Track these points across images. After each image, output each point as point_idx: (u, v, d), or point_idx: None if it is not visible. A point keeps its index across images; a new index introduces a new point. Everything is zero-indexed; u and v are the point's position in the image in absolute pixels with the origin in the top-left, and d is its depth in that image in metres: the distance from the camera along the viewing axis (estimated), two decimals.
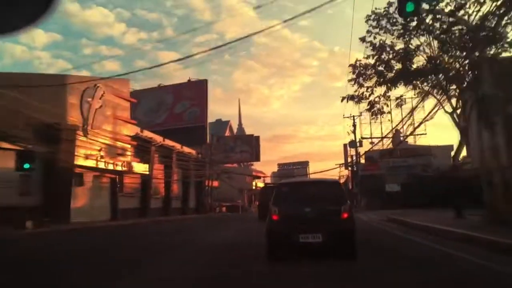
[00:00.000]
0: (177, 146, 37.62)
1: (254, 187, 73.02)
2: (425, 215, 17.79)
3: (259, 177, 75.12)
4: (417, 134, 39.02)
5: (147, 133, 32.39)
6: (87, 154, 23.13)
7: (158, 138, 34.31)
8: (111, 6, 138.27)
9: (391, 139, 44.69)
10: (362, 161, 43.58)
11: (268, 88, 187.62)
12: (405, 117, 24.10)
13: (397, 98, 13.05)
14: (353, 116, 41.48)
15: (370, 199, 32.64)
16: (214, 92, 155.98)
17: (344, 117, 42.45)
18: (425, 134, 40.35)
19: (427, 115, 21.07)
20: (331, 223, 7.52)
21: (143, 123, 46.39)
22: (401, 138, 44.73)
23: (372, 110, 13.23)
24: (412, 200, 32.80)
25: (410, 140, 40.97)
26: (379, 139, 43.56)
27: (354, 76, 13.08)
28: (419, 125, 21.61)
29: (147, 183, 31.27)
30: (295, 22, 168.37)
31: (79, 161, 22.61)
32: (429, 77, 12.78)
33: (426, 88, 13.56)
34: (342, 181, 56.86)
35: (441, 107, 14.37)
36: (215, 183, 56.62)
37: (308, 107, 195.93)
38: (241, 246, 10.46)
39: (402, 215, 17.52)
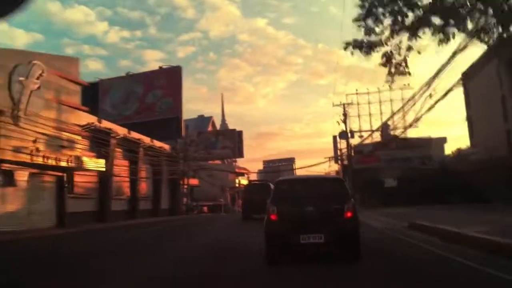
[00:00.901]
0: (146, 139, 32.98)
1: (237, 185, 68.57)
2: (460, 216, 13.60)
3: (242, 174, 70.74)
4: (408, 127, 35.36)
5: (106, 124, 27.70)
6: (18, 147, 18.42)
7: (121, 130, 29.64)
8: (92, 4, 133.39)
9: (380, 132, 41.16)
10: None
11: (253, 86, 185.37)
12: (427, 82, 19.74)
13: (441, 30, 8.60)
14: (343, 104, 37.47)
15: (365, 196, 28.50)
16: (199, 91, 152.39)
17: (333, 106, 38.46)
18: (417, 126, 36.68)
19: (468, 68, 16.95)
20: (333, 223, 7.15)
21: (111, 116, 41.89)
22: (391, 131, 41.11)
23: (389, 66, 8.92)
24: (411, 196, 29.02)
25: (398, 133, 37.44)
26: (372, 131, 39.71)
27: (362, 12, 8.72)
28: (451, 88, 16.98)
29: (107, 181, 26.61)
30: (279, 19, 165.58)
31: (7, 155, 17.93)
32: (470, 18, 8.50)
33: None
34: (333, 173, 52.85)
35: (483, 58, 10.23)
36: (195, 181, 52.20)
37: (294, 105, 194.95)
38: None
39: (428, 219, 13.03)
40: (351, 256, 7.18)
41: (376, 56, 9.15)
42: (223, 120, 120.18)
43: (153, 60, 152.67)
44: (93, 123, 25.78)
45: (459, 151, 43.31)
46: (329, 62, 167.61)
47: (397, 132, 37.00)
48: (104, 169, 23.99)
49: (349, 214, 7.25)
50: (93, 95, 44.19)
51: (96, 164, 23.50)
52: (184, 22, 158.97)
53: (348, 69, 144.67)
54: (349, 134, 36.92)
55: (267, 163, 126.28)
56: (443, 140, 48.47)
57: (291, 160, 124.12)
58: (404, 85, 30.76)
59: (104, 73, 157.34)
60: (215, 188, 59.01)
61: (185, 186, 42.95)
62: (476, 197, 27.34)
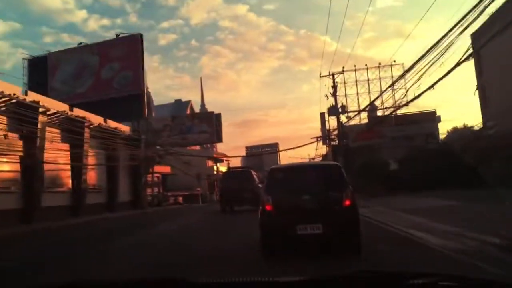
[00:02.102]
0: (94, 118, 26.96)
1: (215, 172, 63.00)
2: None
3: (221, 160, 65.21)
4: (400, 106, 30.18)
5: (34, 96, 21.66)
6: None
7: (59, 106, 23.67)
8: None
9: (367, 113, 35.97)
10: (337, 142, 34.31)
11: (236, 73, 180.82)
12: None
13: None
14: (333, 74, 31.94)
15: (363, 182, 23.11)
16: (182, 79, 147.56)
17: (321, 76, 32.91)
18: (407, 105, 31.52)
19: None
20: (332, 212, 6.94)
21: (62, 94, 35.85)
22: (377, 110, 35.97)
23: None
24: (415, 181, 23.79)
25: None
26: (359, 111, 34.40)
27: None
28: (471, 54, 12.22)
29: (35, 170, 20.67)
30: (260, 5, 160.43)
31: None
32: None
33: None
34: (319, 159, 47.69)
35: None
36: (167, 169, 46.55)
37: (277, 92, 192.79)
38: None
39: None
40: (351, 247, 6.85)
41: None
42: (203, 104, 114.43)
43: None
44: (14, 94, 19.76)
45: (454, 130, 38.77)
46: (311, 48, 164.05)
47: (387, 112, 31.98)
48: (21, 153, 18.01)
49: (347, 203, 6.96)
50: (41, 71, 37.96)
51: (9, 147, 17.53)
52: (164, 9, 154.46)
53: (332, 55, 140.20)
54: (340, 110, 31.54)
55: (249, 149, 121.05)
56: (437, 119, 43.75)
57: (274, 146, 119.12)
58: None
59: None
60: (191, 176, 53.44)
61: (150, 175, 37.10)
62: (493, 180, 22.21)
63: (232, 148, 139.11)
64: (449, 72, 15.64)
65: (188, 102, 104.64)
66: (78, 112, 25.62)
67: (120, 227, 17.50)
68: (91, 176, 26.89)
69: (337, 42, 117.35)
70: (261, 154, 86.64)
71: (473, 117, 69.49)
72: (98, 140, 27.50)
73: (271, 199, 7.10)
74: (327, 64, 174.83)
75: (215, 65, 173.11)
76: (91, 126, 26.15)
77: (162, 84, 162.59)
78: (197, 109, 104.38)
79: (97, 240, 12.80)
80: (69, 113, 24.46)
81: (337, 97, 33.02)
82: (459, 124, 40.62)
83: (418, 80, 15.08)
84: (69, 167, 24.41)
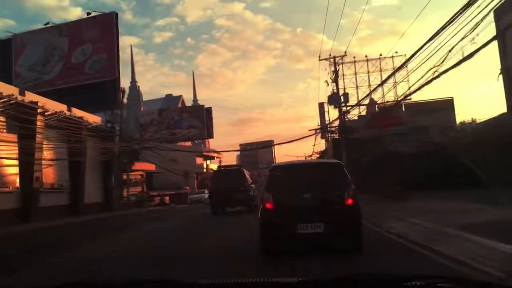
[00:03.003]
0: (52, 105, 22.77)
1: (205, 170, 58.96)
2: None
3: (211, 157, 61.11)
4: (401, 100, 26.28)
5: None
6: None
7: (4, 88, 19.50)
8: None
9: (366, 107, 32.04)
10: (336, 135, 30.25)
11: (232, 71, 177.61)
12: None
13: None
14: (334, 57, 27.87)
15: (376, 180, 19.00)
16: (177, 77, 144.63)
17: (320, 60, 28.78)
18: (410, 99, 27.47)
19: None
20: (333, 211, 6.82)
21: (28, 81, 31.76)
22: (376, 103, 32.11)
23: None
24: (433, 179, 19.81)
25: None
26: (356, 105, 30.38)
27: None
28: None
29: None
30: (256, 3, 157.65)
31: None
32: None
33: None
34: (315, 156, 43.89)
35: None
36: (151, 166, 42.52)
37: (273, 90, 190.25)
38: None
39: None
40: (352, 246, 6.77)
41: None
42: (195, 100, 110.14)
43: (128, 46, 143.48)
44: None
45: (463, 124, 35.09)
46: (308, 46, 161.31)
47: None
48: None
49: (349, 201, 6.87)
50: (5, 56, 33.75)
51: None
52: (160, 7, 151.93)
53: (328, 54, 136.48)
54: (342, 98, 27.48)
55: (244, 146, 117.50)
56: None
57: (269, 143, 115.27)
58: None
59: None
60: (177, 174, 49.38)
61: (132, 173, 32.93)
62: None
63: (227, 146, 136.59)
64: (476, 51, 11.93)
65: (180, 96, 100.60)
66: (31, 97, 21.47)
67: (51, 241, 13.34)
68: (48, 174, 22.73)
69: (333, 40, 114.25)
70: (254, 149, 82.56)
71: (475, 112, 65.81)
72: (59, 131, 23.33)
73: (272, 197, 7.01)
74: (323, 62, 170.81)
75: (211, 64, 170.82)
76: (47, 114, 21.94)
77: (157, 81, 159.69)
78: (189, 104, 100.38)
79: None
80: (18, 97, 20.26)
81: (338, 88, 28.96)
82: (467, 118, 36.88)
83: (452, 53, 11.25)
84: (16, 162, 20.17)
